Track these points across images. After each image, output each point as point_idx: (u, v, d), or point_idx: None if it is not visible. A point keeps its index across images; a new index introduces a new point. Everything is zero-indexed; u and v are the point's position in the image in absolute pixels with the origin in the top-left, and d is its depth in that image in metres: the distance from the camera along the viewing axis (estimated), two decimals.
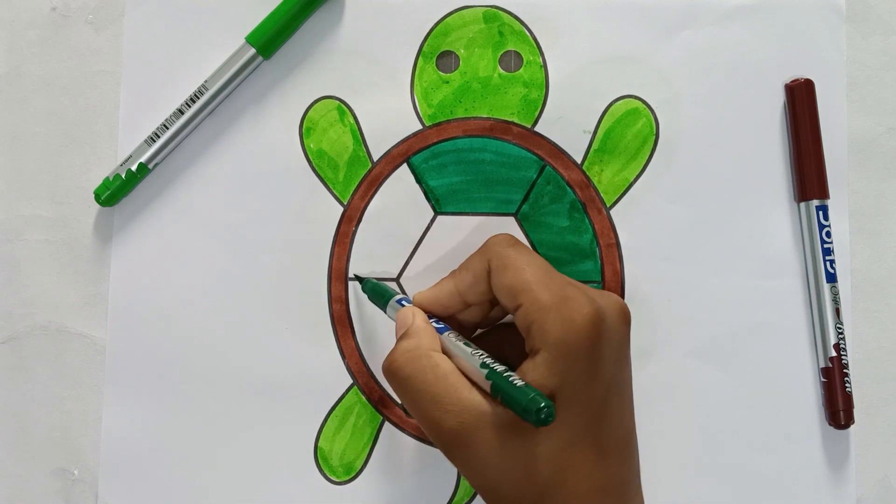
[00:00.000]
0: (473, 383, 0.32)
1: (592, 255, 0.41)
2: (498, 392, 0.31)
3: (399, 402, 0.41)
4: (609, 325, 0.33)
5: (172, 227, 0.42)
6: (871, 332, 0.41)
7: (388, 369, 0.34)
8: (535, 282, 0.33)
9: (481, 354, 0.33)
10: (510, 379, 0.31)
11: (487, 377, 0.31)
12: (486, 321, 0.37)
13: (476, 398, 0.32)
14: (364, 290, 0.40)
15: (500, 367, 0.32)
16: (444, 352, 0.34)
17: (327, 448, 0.41)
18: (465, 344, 0.34)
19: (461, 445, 0.32)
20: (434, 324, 0.35)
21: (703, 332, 0.41)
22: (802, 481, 0.40)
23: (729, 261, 0.41)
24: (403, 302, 0.37)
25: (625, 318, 0.34)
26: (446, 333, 0.34)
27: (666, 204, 0.41)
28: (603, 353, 0.32)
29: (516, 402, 0.30)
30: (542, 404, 0.29)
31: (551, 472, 0.31)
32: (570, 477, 0.31)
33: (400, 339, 0.35)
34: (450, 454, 0.32)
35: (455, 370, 0.33)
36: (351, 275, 0.41)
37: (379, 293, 0.39)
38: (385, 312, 0.38)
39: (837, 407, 0.40)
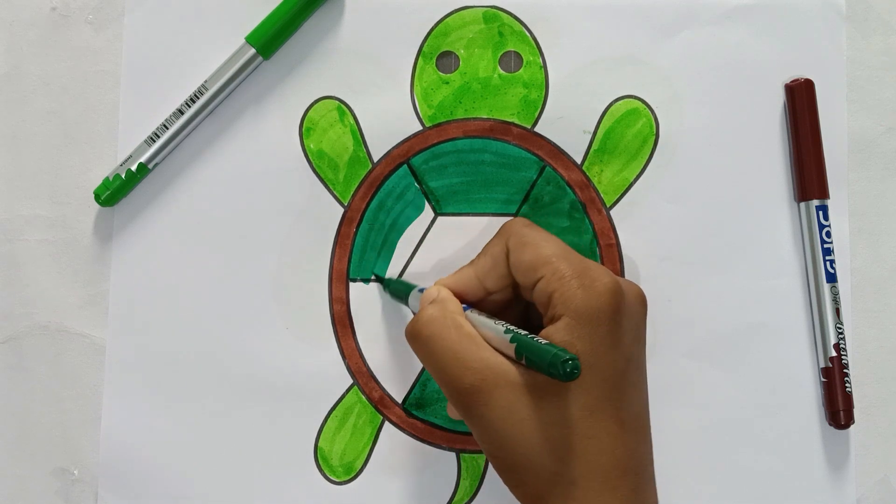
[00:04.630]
0: (496, 349, 0.32)
1: (593, 256, 0.41)
2: (522, 352, 0.31)
3: (398, 401, 0.41)
4: (629, 300, 0.33)
5: (172, 227, 0.42)
6: (871, 332, 0.41)
7: (412, 331, 0.34)
8: (554, 255, 0.33)
9: (503, 323, 0.33)
10: (534, 339, 0.31)
11: (511, 340, 0.32)
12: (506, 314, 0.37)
13: (499, 358, 0.32)
14: (387, 290, 0.40)
15: (523, 332, 0.32)
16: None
17: (327, 448, 0.41)
18: (487, 317, 0.34)
19: (479, 403, 0.31)
20: None
21: (703, 332, 0.41)
22: (802, 481, 0.40)
23: (729, 261, 0.41)
24: (425, 290, 0.37)
25: (642, 300, 0.34)
26: (468, 311, 0.35)
27: (666, 204, 0.41)
28: (623, 324, 0.32)
29: (542, 358, 0.30)
30: (568, 357, 0.29)
31: (572, 439, 0.31)
32: (592, 447, 0.31)
33: (424, 308, 0.35)
34: (467, 413, 0.32)
35: (478, 334, 0.33)
36: (371, 276, 0.41)
37: (401, 288, 0.39)
38: (408, 306, 0.38)
39: (837, 407, 0.40)
